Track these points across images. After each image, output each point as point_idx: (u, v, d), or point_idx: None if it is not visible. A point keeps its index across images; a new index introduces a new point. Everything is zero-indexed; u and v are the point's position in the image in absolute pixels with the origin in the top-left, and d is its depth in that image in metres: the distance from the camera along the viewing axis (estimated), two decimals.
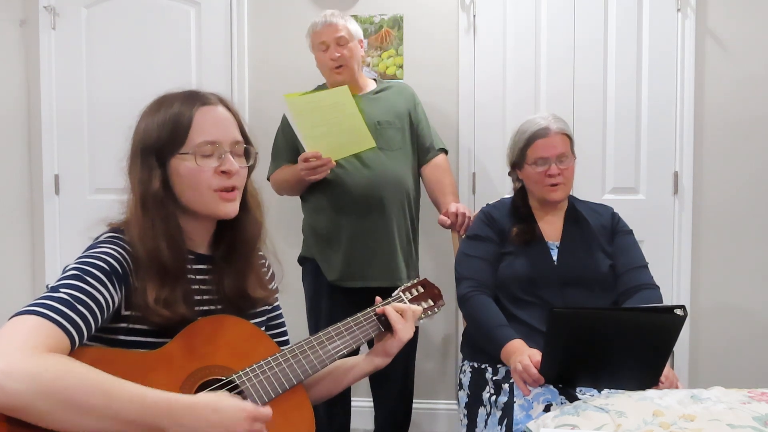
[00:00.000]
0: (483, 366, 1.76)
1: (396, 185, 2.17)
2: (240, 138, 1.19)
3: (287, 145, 2.26)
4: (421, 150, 2.29)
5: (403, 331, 1.29)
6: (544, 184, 1.81)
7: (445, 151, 2.34)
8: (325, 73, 2.26)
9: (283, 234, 2.59)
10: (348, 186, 2.13)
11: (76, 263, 1.04)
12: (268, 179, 2.31)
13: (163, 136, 1.13)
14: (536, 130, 1.83)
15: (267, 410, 1.03)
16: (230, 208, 1.16)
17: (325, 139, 2.03)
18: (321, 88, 2.33)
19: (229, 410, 0.98)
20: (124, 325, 1.08)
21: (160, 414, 0.93)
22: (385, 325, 1.31)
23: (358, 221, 2.14)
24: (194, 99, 1.16)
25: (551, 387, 1.50)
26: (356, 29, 2.25)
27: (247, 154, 1.20)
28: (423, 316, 1.41)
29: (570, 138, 1.86)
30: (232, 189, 1.16)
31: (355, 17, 2.38)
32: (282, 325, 1.37)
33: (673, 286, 2.65)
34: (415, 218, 2.29)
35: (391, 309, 1.30)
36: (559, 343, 1.42)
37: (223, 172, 1.14)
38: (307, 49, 2.78)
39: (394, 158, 2.19)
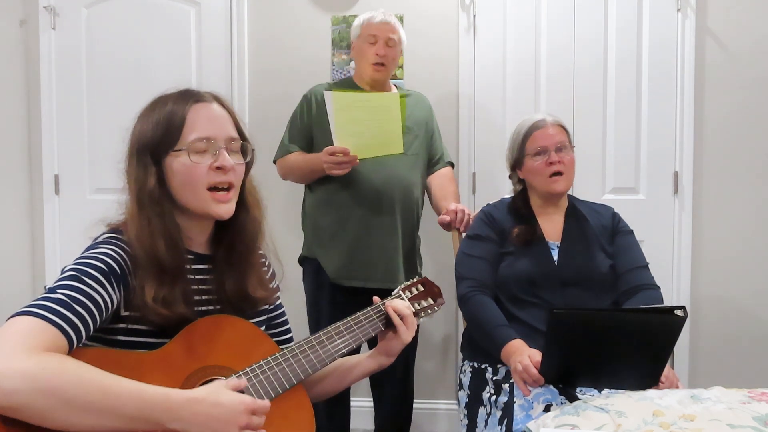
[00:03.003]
0: (483, 366, 1.76)
1: (407, 190, 2.18)
2: (235, 135, 1.18)
3: (303, 132, 2.24)
4: (431, 160, 2.31)
5: (406, 333, 1.30)
6: (545, 174, 1.82)
7: (452, 165, 2.36)
8: (362, 65, 2.24)
9: (284, 233, 2.59)
10: (362, 185, 2.13)
11: (74, 264, 1.04)
12: (274, 162, 2.29)
13: (157, 134, 1.13)
14: (533, 123, 1.87)
15: (265, 402, 1.04)
16: (224, 209, 1.16)
17: (357, 137, 2.04)
18: (345, 81, 2.34)
19: (228, 403, 0.99)
20: (123, 325, 1.08)
21: (158, 409, 0.94)
22: (385, 323, 1.31)
23: (366, 220, 2.14)
24: (188, 97, 1.16)
25: (551, 387, 1.50)
26: (404, 39, 2.28)
27: (243, 151, 1.20)
28: (423, 315, 1.41)
29: (567, 131, 1.88)
30: (228, 187, 1.16)
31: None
32: (285, 324, 1.37)
33: (673, 286, 2.65)
34: (418, 227, 2.30)
35: (393, 312, 1.30)
36: (559, 344, 1.42)
37: (218, 168, 1.13)
38: (308, 50, 2.79)
39: (408, 163, 2.20)
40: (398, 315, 1.30)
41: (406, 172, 2.18)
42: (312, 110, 2.22)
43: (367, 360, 1.34)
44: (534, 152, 1.84)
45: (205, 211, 1.15)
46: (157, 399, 0.94)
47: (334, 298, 2.18)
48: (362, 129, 2.03)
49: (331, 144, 2.05)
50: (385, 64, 2.19)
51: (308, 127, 2.23)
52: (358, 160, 2.05)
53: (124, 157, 1.16)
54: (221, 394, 1.00)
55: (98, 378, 0.92)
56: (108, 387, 0.91)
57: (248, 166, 1.22)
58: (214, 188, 1.14)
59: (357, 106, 2.02)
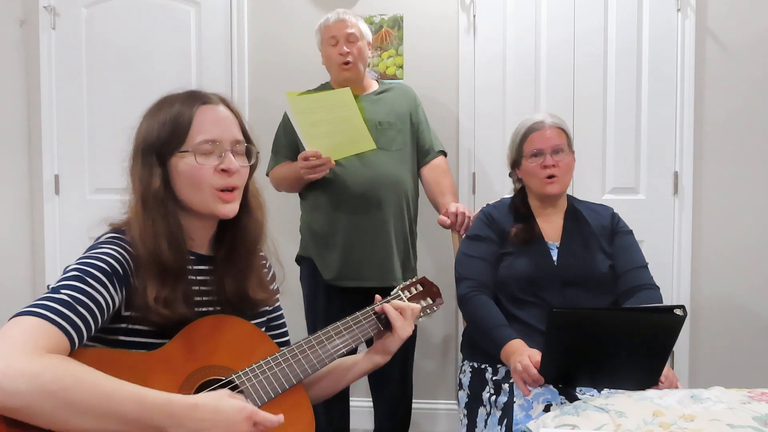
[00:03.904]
0: (483, 366, 1.76)
1: (394, 186, 2.17)
2: (241, 137, 1.19)
3: (287, 142, 2.26)
4: (421, 152, 2.29)
5: (403, 329, 1.29)
6: (540, 177, 1.82)
7: (445, 154, 2.34)
8: (331, 69, 2.25)
9: (282, 233, 2.59)
10: (347, 185, 2.13)
11: (76, 264, 1.04)
12: (267, 175, 2.31)
13: (163, 134, 1.13)
14: (531, 124, 1.87)
15: (273, 417, 1.02)
16: (229, 209, 1.16)
17: (325, 138, 2.04)
18: (324, 86, 2.33)
19: (229, 410, 0.98)
20: (123, 325, 1.08)
21: (159, 414, 0.93)
22: (384, 323, 1.31)
23: (355, 220, 2.14)
24: (195, 98, 1.16)
25: (551, 387, 1.50)
26: (366, 30, 2.27)
27: (248, 154, 1.20)
28: (422, 314, 1.41)
29: (566, 133, 1.88)
30: (232, 189, 1.16)
31: None
32: (283, 326, 1.37)
33: (673, 286, 2.65)
34: (414, 221, 2.29)
35: (390, 307, 1.30)
36: (559, 343, 1.42)
37: (223, 170, 1.14)
38: (307, 49, 2.78)
39: (393, 159, 2.19)
40: (395, 308, 1.30)
41: (392, 168, 2.18)
42: None
43: (363, 360, 1.34)
44: (530, 154, 1.84)
45: (210, 211, 1.15)
46: (159, 404, 0.94)
47: (329, 298, 2.19)
48: (327, 129, 2.02)
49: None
50: (352, 60, 2.18)
51: (292, 136, 2.23)
52: (333, 162, 2.05)
53: (129, 156, 1.16)
54: (223, 400, 0.99)
55: (100, 381, 0.92)
56: (110, 390, 0.91)
57: (252, 169, 1.22)
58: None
59: (315, 107, 2.01)
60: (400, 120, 2.23)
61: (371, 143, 2.05)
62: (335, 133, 2.03)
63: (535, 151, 1.83)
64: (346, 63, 2.18)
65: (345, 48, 2.17)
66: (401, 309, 1.31)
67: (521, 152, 1.87)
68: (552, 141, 1.83)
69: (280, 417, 1.03)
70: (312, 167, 2.04)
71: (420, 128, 2.30)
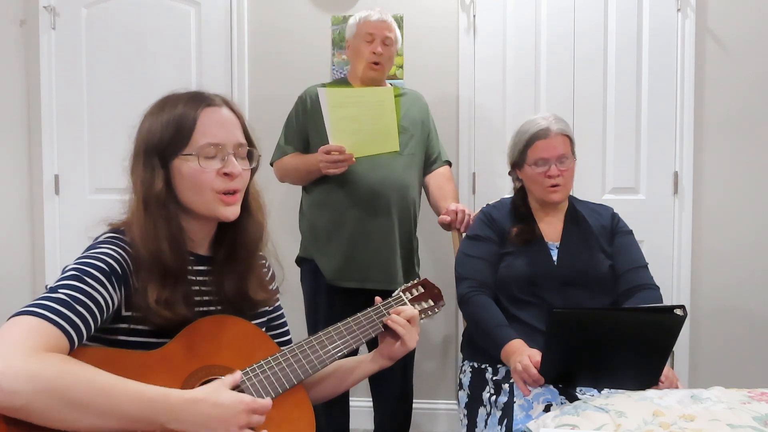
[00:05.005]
0: (483, 366, 1.76)
1: (403, 190, 2.17)
2: (243, 140, 1.18)
3: (299, 134, 2.24)
4: (428, 160, 2.30)
5: (411, 341, 1.30)
6: (544, 185, 1.81)
7: (450, 164, 2.36)
8: (358, 64, 2.22)
9: (283, 234, 2.59)
10: (357, 185, 2.12)
11: (75, 264, 1.04)
12: (271, 164, 2.28)
13: (166, 136, 1.12)
14: (537, 130, 1.83)
15: (265, 402, 1.04)
16: (230, 211, 1.16)
17: (352, 135, 2.02)
18: (340, 81, 2.33)
19: (228, 403, 0.99)
20: (124, 325, 1.08)
21: (159, 409, 0.94)
22: (386, 325, 1.31)
23: (361, 221, 2.13)
24: (199, 100, 1.16)
25: (551, 387, 1.50)
26: (400, 39, 2.29)
27: (250, 157, 1.20)
28: (423, 316, 1.41)
29: (570, 139, 1.86)
30: (234, 192, 1.16)
31: None
32: (284, 325, 1.37)
33: (673, 286, 2.65)
34: (416, 227, 2.29)
35: (394, 323, 1.30)
36: (559, 343, 1.42)
37: (225, 174, 1.13)
38: (307, 49, 2.78)
39: (404, 163, 2.19)
40: (400, 324, 1.30)
41: (402, 172, 2.17)
42: (307, 111, 2.21)
43: (367, 363, 1.34)
44: (534, 161, 1.82)
45: (212, 213, 1.15)
46: (158, 399, 0.94)
47: (331, 300, 2.18)
48: (357, 126, 2.01)
49: (326, 144, 2.04)
50: (382, 63, 2.18)
51: (303, 128, 2.22)
52: (354, 159, 2.04)
53: (130, 156, 1.16)
54: (221, 394, 1.00)
55: (99, 378, 0.92)
56: (108, 387, 0.92)
57: (253, 171, 1.22)
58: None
59: (351, 102, 2.01)
60: (414, 126, 2.24)
61: (396, 145, 2.06)
62: (364, 131, 2.02)
63: (540, 160, 1.81)
64: (376, 63, 2.18)
65: (379, 48, 2.17)
66: (410, 318, 1.31)
67: (524, 157, 1.84)
68: (558, 151, 1.80)
69: (268, 401, 1.05)
70: (333, 161, 2.03)
71: (430, 137, 2.31)
